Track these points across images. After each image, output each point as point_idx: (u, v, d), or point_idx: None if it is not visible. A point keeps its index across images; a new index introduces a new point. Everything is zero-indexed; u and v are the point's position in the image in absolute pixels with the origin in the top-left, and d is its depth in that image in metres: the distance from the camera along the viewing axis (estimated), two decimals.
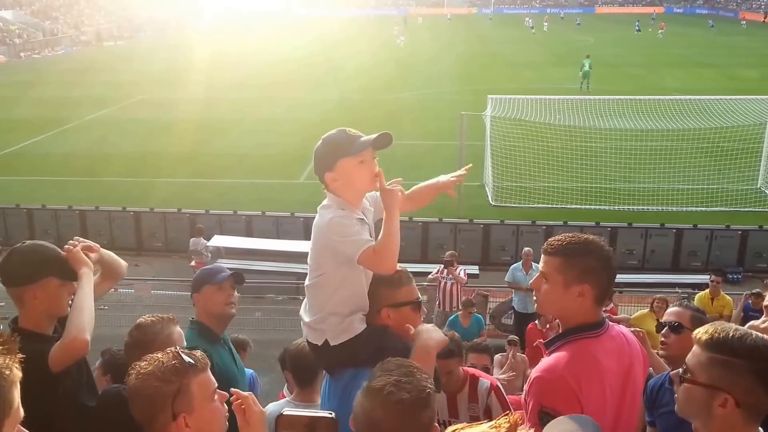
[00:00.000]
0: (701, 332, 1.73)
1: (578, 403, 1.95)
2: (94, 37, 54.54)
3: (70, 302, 2.45)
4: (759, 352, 1.63)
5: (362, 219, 2.14)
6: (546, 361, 2.10)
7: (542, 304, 2.20)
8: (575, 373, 1.98)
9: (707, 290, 8.51)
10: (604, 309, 3.28)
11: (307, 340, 2.22)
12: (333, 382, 2.22)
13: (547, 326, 7.19)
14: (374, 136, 2.06)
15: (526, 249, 9.70)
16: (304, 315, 2.22)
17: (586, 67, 27.56)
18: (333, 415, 1.23)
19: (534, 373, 2.06)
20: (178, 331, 2.62)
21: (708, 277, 8.94)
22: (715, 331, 1.69)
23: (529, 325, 7.94)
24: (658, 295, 8.15)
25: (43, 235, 13.03)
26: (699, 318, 3.06)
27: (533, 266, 9.18)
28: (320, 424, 1.21)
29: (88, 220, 13.55)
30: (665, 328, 3.02)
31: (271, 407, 3.08)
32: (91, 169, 17.92)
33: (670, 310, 3.14)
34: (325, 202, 2.16)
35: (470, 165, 2.50)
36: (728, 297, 8.61)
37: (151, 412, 1.66)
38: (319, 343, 2.15)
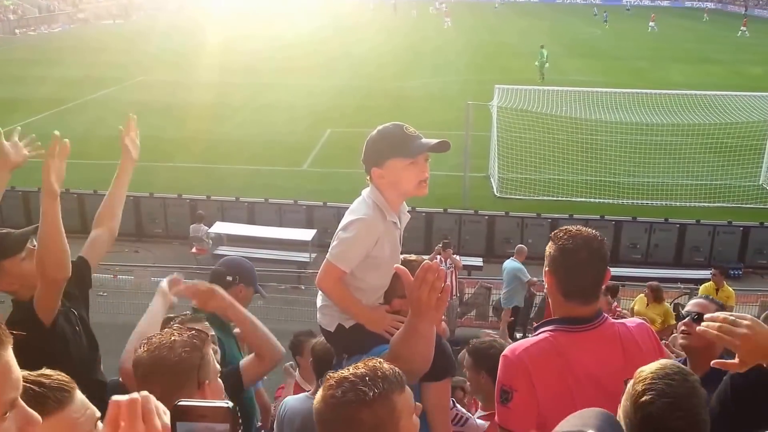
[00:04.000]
0: None
1: (532, 386, 1.96)
2: (92, 15, 53.81)
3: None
4: None
5: (395, 223, 2.10)
6: (513, 344, 2.15)
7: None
8: (533, 357, 2.00)
9: (711, 282, 8.93)
10: (614, 307, 3.22)
11: (321, 327, 2.21)
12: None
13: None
14: (434, 141, 2.02)
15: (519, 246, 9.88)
16: (318, 299, 2.22)
17: (543, 58, 26.93)
18: (230, 405, 1.16)
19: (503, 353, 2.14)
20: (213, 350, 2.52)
21: (709, 272, 9.34)
22: None
23: None
24: (650, 282, 8.47)
25: (38, 219, 12.85)
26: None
27: None
28: (214, 413, 1.14)
29: (86, 204, 13.34)
30: (687, 318, 3.05)
31: (290, 401, 3.04)
32: (89, 152, 17.63)
33: (694, 301, 3.16)
34: (365, 193, 2.11)
35: None
36: (730, 288, 9.06)
37: (177, 382, 1.64)
38: (332, 329, 2.15)
